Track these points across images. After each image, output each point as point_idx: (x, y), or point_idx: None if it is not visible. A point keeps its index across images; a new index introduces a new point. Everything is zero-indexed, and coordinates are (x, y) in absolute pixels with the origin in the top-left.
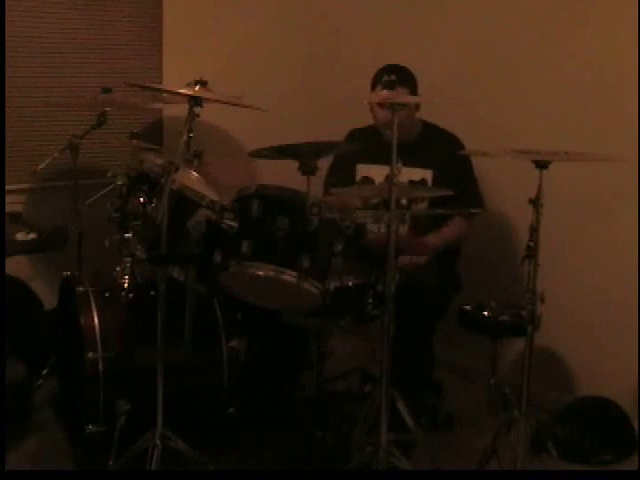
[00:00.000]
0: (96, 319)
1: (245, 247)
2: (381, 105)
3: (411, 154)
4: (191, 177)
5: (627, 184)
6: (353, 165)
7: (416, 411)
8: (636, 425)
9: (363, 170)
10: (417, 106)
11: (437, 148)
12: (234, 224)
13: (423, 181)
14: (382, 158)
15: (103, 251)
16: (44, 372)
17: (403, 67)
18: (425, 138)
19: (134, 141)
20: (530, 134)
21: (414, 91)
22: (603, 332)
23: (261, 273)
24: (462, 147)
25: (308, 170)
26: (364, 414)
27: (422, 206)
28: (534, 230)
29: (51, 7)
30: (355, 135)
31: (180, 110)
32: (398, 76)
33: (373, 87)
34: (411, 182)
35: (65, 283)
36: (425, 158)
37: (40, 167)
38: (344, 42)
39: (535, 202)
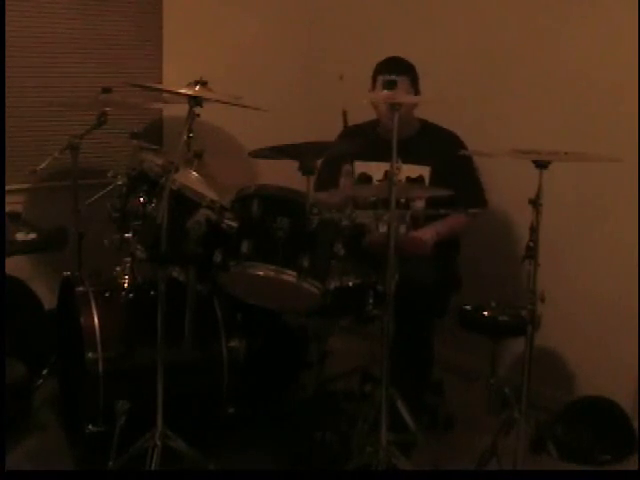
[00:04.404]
0: (96, 319)
1: (245, 247)
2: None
3: (408, 151)
4: (191, 177)
5: (627, 184)
6: (350, 162)
7: (416, 411)
8: (636, 425)
9: (360, 167)
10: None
11: (435, 145)
12: (234, 224)
13: (420, 178)
14: (379, 155)
15: (103, 251)
16: (44, 372)
17: (402, 59)
18: (422, 135)
19: (134, 141)
20: (530, 134)
21: (414, 81)
22: (603, 332)
23: (261, 273)
24: (460, 144)
25: (308, 170)
26: (364, 414)
27: (420, 204)
28: (534, 230)
29: (51, 7)
30: (350, 132)
31: (180, 110)
32: (398, 71)
33: (374, 81)
34: (408, 179)
35: (65, 283)
36: (422, 155)
37: (40, 167)
38: (344, 41)
39: (535, 202)
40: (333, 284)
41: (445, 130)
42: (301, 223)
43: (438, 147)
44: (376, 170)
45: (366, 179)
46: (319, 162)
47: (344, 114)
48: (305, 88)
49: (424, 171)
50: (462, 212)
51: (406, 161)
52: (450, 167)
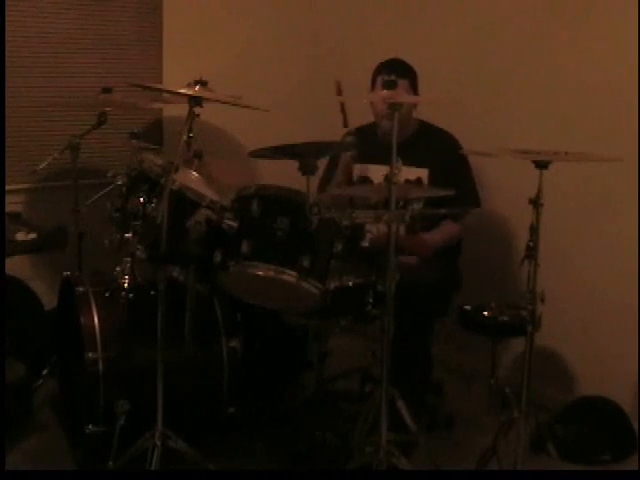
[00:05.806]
0: (96, 319)
1: (245, 247)
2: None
3: (407, 152)
4: (191, 177)
5: (627, 184)
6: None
7: (416, 411)
8: (636, 425)
9: (360, 170)
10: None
11: (433, 147)
12: (234, 224)
13: (419, 180)
14: (379, 157)
15: (103, 251)
16: (44, 372)
17: (402, 61)
18: (421, 136)
19: (134, 141)
20: (530, 134)
21: (414, 84)
22: (603, 332)
23: (261, 273)
24: (458, 146)
25: (308, 170)
26: (364, 414)
27: (418, 205)
28: (534, 230)
29: (51, 7)
30: (351, 135)
31: (180, 110)
32: (398, 73)
33: (373, 83)
34: (407, 181)
35: (65, 283)
36: (421, 157)
37: (40, 167)
38: (344, 41)
39: (535, 202)
40: (333, 284)
41: (443, 132)
42: (301, 223)
43: (436, 149)
44: (375, 173)
45: (365, 182)
46: (319, 162)
47: (337, 85)
48: (305, 88)
49: (423, 173)
50: (458, 211)
51: (405, 163)
52: (447, 169)
